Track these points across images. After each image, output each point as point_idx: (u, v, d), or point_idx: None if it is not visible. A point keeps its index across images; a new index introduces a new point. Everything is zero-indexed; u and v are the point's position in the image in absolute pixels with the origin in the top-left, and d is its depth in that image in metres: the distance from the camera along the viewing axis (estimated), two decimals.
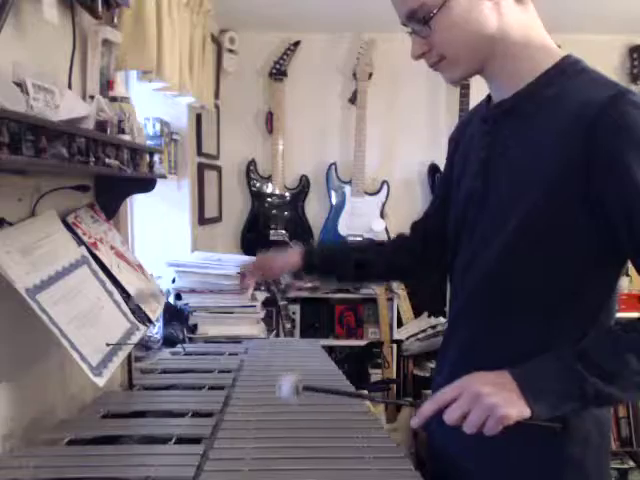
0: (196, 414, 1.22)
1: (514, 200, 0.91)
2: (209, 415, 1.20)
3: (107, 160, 1.19)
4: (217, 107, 2.83)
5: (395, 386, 2.88)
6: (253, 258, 1.36)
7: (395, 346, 2.91)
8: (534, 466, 0.94)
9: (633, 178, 0.81)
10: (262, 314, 2.23)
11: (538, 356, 0.85)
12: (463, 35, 0.90)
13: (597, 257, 0.89)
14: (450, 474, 1.05)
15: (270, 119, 3.02)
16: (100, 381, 1.07)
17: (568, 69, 0.92)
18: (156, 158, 1.51)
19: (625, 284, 2.75)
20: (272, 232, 3.04)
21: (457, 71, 0.95)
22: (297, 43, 3.02)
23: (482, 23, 0.89)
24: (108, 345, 1.15)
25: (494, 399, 0.77)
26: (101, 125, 1.21)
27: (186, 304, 2.14)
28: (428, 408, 0.81)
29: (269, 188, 3.05)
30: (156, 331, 1.99)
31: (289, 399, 0.89)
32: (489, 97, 1.02)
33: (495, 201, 0.95)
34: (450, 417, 0.79)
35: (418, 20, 0.90)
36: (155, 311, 1.46)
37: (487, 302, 0.98)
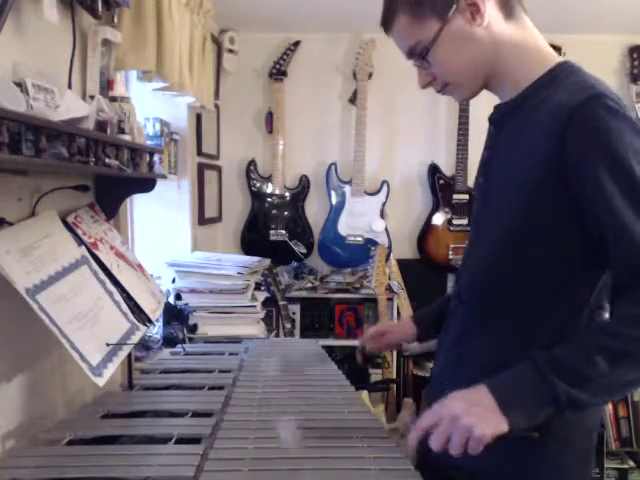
0: (196, 414, 1.22)
1: (502, 199, 0.97)
2: (209, 415, 1.20)
3: (107, 160, 1.19)
4: (217, 107, 2.83)
5: (395, 386, 2.88)
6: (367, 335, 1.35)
7: (395, 352, 2.91)
8: (515, 461, 0.97)
9: (598, 180, 0.84)
10: (262, 314, 2.23)
11: (519, 351, 0.89)
12: (460, 62, 0.97)
13: (579, 257, 0.92)
14: (437, 470, 1.07)
15: (270, 119, 3.02)
16: (100, 381, 1.07)
17: (560, 74, 0.95)
18: (156, 158, 1.51)
19: None
20: (272, 232, 3.04)
21: (463, 93, 1.03)
22: (297, 43, 3.02)
23: (476, 47, 0.96)
24: (108, 345, 1.15)
25: (471, 420, 0.81)
26: (101, 125, 1.21)
27: (186, 304, 2.14)
28: (413, 437, 0.87)
29: (269, 188, 3.05)
30: (156, 331, 1.99)
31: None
32: None
33: (491, 199, 1.02)
34: (435, 444, 0.84)
35: (417, 55, 0.98)
36: (155, 311, 1.46)
37: (476, 296, 1.03)
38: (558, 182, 0.88)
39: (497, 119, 1.03)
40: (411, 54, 1.00)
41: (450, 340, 1.10)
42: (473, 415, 0.82)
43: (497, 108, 1.03)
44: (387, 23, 1.00)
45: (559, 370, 0.83)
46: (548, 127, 0.89)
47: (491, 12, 0.95)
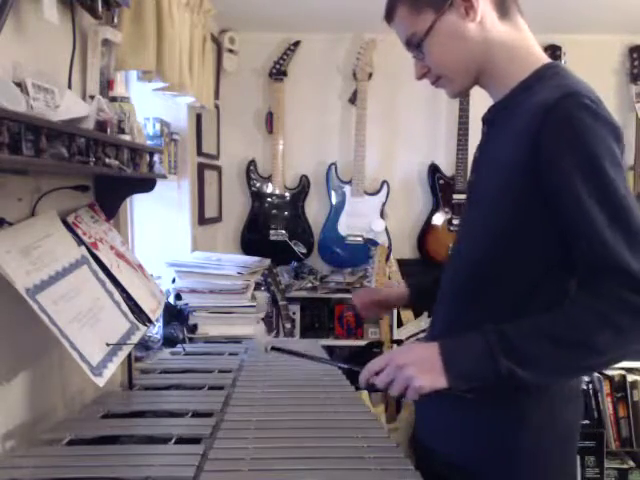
0: (196, 414, 1.22)
1: (485, 197, 1.01)
2: (209, 415, 1.20)
3: (107, 160, 1.19)
4: (217, 107, 2.83)
5: None
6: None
7: (395, 346, 2.91)
8: (493, 451, 1.01)
9: (567, 175, 0.87)
10: (262, 314, 2.23)
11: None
12: (451, 55, 1.01)
13: (557, 255, 0.94)
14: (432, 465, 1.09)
15: (270, 119, 3.02)
16: (100, 381, 1.07)
17: (544, 75, 0.97)
18: (156, 158, 1.51)
19: None
20: (272, 232, 3.04)
21: (454, 87, 1.06)
22: (297, 43, 3.02)
23: (467, 43, 0.99)
24: (108, 345, 1.15)
25: (412, 371, 0.91)
26: (101, 125, 1.21)
27: (186, 304, 2.14)
28: (364, 375, 0.97)
29: (269, 188, 3.05)
30: (156, 331, 1.99)
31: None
32: None
33: (477, 197, 1.06)
34: (379, 382, 0.94)
35: (413, 46, 1.02)
36: (155, 311, 1.46)
37: (456, 289, 1.07)
38: (535, 179, 0.91)
39: (488, 118, 1.08)
40: (408, 44, 1.04)
41: (436, 333, 1.12)
42: (416, 367, 0.91)
43: (488, 110, 1.07)
44: (389, 14, 1.05)
45: (508, 350, 0.88)
46: (526, 126, 0.91)
47: (485, 10, 0.98)
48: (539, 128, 0.89)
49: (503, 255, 0.97)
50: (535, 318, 0.91)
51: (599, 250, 0.86)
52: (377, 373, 0.95)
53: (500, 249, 0.98)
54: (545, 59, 1.01)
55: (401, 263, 2.96)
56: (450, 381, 0.90)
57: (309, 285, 2.88)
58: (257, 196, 3.06)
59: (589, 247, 0.87)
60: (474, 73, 1.03)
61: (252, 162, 3.06)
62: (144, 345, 1.87)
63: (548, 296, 0.96)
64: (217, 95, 2.80)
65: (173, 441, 1.08)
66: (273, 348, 1.10)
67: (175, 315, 2.10)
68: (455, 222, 3.00)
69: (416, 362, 0.92)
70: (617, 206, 0.86)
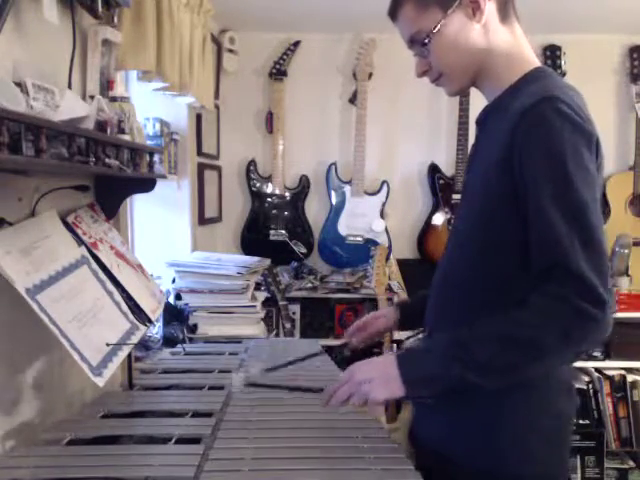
0: (196, 414, 1.22)
1: (472, 197, 1.04)
2: (209, 415, 1.20)
3: (107, 160, 1.19)
4: (217, 107, 2.83)
5: None
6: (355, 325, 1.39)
7: (395, 346, 2.91)
8: (483, 444, 1.02)
9: (534, 176, 0.89)
10: (262, 314, 2.23)
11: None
12: (456, 54, 1.03)
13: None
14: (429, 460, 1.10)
15: (270, 119, 3.02)
16: (100, 381, 1.07)
17: (531, 78, 1.00)
18: (156, 158, 1.51)
19: (625, 284, 2.75)
20: (272, 232, 3.04)
21: (454, 85, 1.08)
22: (297, 43, 3.02)
23: (472, 43, 1.01)
24: (108, 345, 1.15)
25: (369, 387, 0.97)
26: (101, 125, 1.21)
27: (186, 304, 2.14)
28: (324, 396, 1.03)
29: (269, 188, 3.05)
30: (156, 331, 1.99)
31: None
32: None
33: (467, 197, 1.09)
34: (337, 400, 1.00)
35: (417, 44, 1.04)
36: (155, 311, 1.46)
37: (441, 287, 1.10)
38: (511, 178, 0.93)
39: (479, 120, 1.11)
40: (411, 42, 1.05)
41: (427, 332, 1.15)
42: (372, 382, 0.97)
43: (481, 110, 1.09)
44: (394, 11, 1.06)
45: (458, 355, 0.91)
46: (507, 128, 0.94)
47: (490, 11, 1.00)
48: (515, 129, 0.92)
49: (485, 253, 0.99)
50: (489, 320, 0.93)
51: (554, 253, 0.88)
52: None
53: (480, 249, 1.00)
54: (535, 63, 1.04)
55: (401, 263, 2.96)
56: (407, 390, 0.95)
57: (309, 285, 2.87)
58: (257, 196, 3.06)
59: (546, 248, 0.89)
60: (473, 74, 1.05)
61: (252, 162, 3.06)
62: (144, 345, 1.87)
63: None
64: (217, 95, 2.80)
65: (173, 441, 1.08)
66: (250, 384, 1.17)
67: (175, 315, 2.10)
68: (454, 221, 3.00)
69: (374, 376, 0.98)
70: (575, 209, 0.88)
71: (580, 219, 0.88)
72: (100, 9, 1.30)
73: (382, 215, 3.02)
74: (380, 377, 0.97)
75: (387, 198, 3.02)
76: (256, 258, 2.41)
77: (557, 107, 0.89)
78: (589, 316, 0.86)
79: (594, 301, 0.85)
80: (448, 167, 3.04)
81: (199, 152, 2.62)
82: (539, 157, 0.90)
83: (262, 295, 2.33)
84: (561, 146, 0.88)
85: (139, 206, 2.29)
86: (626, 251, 2.71)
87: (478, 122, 1.12)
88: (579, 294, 0.85)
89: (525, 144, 0.90)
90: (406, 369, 0.96)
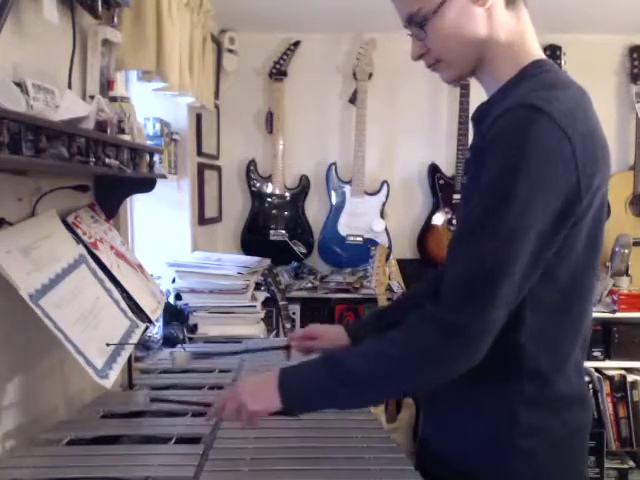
0: (196, 414, 1.22)
1: (468, 197, 1.00)
2: None
3: (107, 160, 1.19)
4: (217, 107, 2.83)
5: None
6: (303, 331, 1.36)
7: None
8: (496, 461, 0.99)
9: (484, 181, 0.86)
10: (262, 314, 2.23)
11: None
12: (456, 38, 0.95)
13: None
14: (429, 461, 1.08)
15: (270, 119, 3.02)
16: (107, 383, 1.07)
17: (526, 75, 0.95)
18: (156, 158, 1.51)
19: (625, 284, 2.75)
20: (272, 232, 3.04)
21: (452, 72, 1.01)
22: (297, 43, 3.02)
23: (474, 28, 0.94)
24: (108, 345, 1.14)
25: (246, 399, 0.97)
26: (101, 125, 1.21)
27: (186, 304, 2.14)
28: (210, 413, 1.03)
29: (269, 188, 3.05)
30: (156, 331, 1.99)
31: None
32: None
33: (465, 198, 1.06)
34: (213, 413, 1.02)
35: (415, 24, 0.96)
36: (155, 311, 1.46)
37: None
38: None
39: (474, 118, 1.05)
40: (409, 21, 0.97)
41: None
42: (251, 395, 0.97)
43: (476, 108, 1.04)
44: None
45: (330, 369, 0.93)
46: (485, 131, 0.91)
47: None
48: (486, 135, 0.88)
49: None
50: (370, 339, 0.97)
51: (448, 273, 0.90)
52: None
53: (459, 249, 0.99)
54: (536, 55, 0.97)
55: (401, 263, 2.96)
56: (283, 403, 0.95)
57: (309, 285, 2.87)
58: (257, 196, 3.06)
59: (447, 264, 0.91)
60: (474, 61, 0.98)
61: (252, 162, 3.06)
62: (144, 345, 1.87)
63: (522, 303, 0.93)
64: (217, 95, 2.80)
65: (173, 441, 1.09)
66: (153, 400, 1.20)
67: (175, 315, 2.10)
68: (455, 222, 3.00)
69: (253, 390, 0.99)
70: (500, 230, 0.84)
71: (499, 244, 0.84)
72: (100, 9, 1.30)
73: (382, 215, 3.02)
74: (258, 391, 0.98)
75: (387, 198, 3.02)
76: (256, 258, 2.41)
77: (531, 117, 0.83)
78: (450, 339, 0.86)
79: (457, 331, 0.86)
80: (448, 167, 3.04)
81: (199, 152, 2.62)
82: (492, 167, 0.85)
83: (262, 295, 2.33)
84: (517, 161, 0.82)
85: (139, 206, 2.29)
86: (626, 251, 2.72)
87: (474, 119, 1.07)
88: (440, 331, 0.86)
89: (489, 152, 0.87)
90: (284, 384, 0.96)
